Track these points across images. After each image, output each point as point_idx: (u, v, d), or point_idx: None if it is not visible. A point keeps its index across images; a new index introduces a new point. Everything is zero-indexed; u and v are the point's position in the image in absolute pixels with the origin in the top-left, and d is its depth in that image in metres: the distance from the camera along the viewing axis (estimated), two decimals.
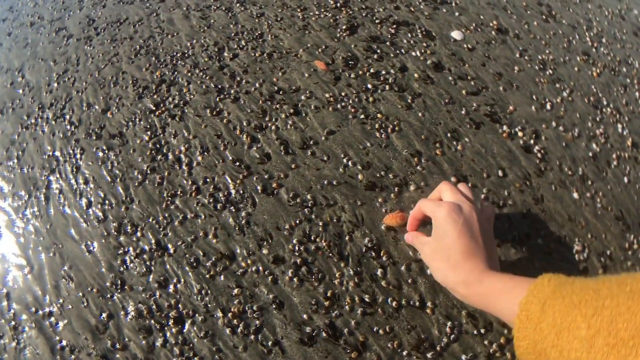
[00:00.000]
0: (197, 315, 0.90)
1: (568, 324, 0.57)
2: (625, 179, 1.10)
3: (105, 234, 0.99)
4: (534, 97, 1.13)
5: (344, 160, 1.01)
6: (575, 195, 1.04)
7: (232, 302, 0.92)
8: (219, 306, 0.94)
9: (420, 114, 1.06)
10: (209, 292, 0.96)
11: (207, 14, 1.29)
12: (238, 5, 1.29)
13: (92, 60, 1.28)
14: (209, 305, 0.91)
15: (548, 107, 1.13)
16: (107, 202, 1.03)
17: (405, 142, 1.03)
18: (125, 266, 0.96)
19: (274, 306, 0.93)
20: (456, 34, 1.18)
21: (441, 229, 0.76)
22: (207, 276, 0.97)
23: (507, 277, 0.72)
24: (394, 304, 0.91)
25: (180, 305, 0.91)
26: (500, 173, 1.02)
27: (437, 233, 0.77)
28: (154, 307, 0.92)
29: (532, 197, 1.02)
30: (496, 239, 0.89)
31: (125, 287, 0.94)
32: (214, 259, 0.98)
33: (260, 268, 0.94)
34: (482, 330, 0.91)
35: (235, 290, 0.95)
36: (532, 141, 1.07)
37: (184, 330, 0.90)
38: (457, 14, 1.26)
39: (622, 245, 1.03)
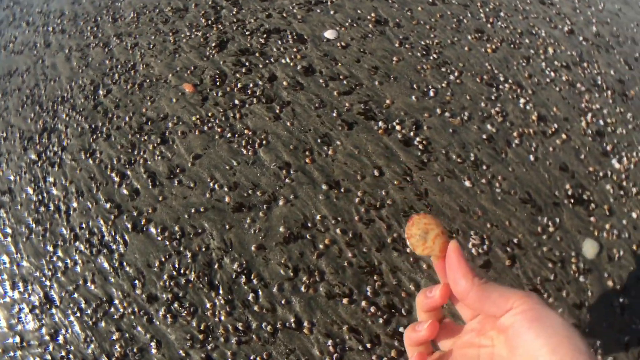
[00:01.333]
0: None
1: None
2: (532, 157, 0.99)
3: (2, 292, 0.94)
4: (414, 86, 1.03)
5: (211, 184, 0.92)
6: (467, 183, 0.94)
7: (114, 346, 0.89)
8: (104, 352, 0.90)
9: (289, 123, 0.96)
10: (94, 339, 0.91)
11: (87, 53, 1.22)
12: (115, 38, 1.21)
13: None
14: (96, 352, 0.87)
15: (431, 94, 1.03)
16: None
17: (273, 155, 0.93)
18: (21, 323, 0.92)
19: (152, 345, 0.87)
20: (329, 34, 1.08)
21: (549, 312, 0.41)
22: (90, 323, 0.92)
23: None
24: (268, 328, 0.83)
25: (71, 355, 0.87)
26: (376, 173, 0.92)
27: (546, 313, 0.41)
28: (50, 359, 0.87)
29: (414, 192, 0.92)
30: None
31: (24, 343, 0.90)
32: (94, 305, 0.93)
33: (136, 309, 0.88)
34: (369, 345, 0.82)
35: (116, 335, 0.90)
36: (412, 133, 0.97)
37: None
38: (332, 12, 1.16)
39: (533, 230, 0.92)
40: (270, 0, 1.19)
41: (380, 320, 0.84)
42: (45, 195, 1.02)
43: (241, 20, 1.16)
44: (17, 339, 0.89)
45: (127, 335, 0.86)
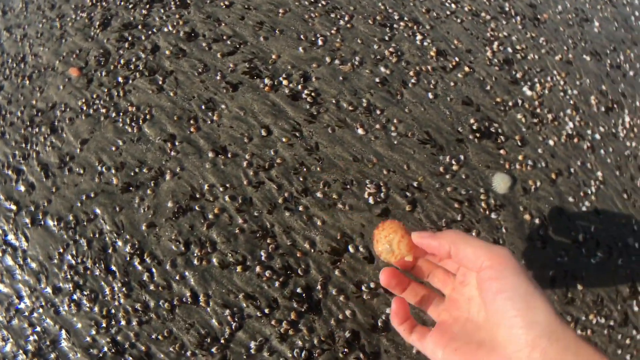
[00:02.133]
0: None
1: None
2: (430, 95, 0.92)
3: None
4: (302, 36, 0.96)
5: (99, 168, 0.87)
6: (360, 131, 0.88)
7: (29, 341, 0.86)
8: (20, 348, 0.87)
9: (172, 93, 0.90)
10: (10, 337, 0.88)
11: None
12: (5, 32, 1.15)
13: None
14: (13, 350, 0.86)
15: (320, 42, 0.95)
16: None
17: (158, 129, 0.88)
18: None
19: (62, 335, 0.86)
20: None
21: (508, 270, 0.47)
22: (5, 322, 0.89)
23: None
24: (166, 305, 0.79)
25: None
26: (263, 132, 0.87)
27: (505, 272, 0.47)
28: None
29: (304, 148, 0.86)
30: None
31: None
32: (6, 305, 0.89)
33: (43, 302, 0.86)
34: (267, 310, 0.78)
35: (29, 330, 0.87)
36: (299, 86, 0.91)
37: None
38: None
39: (435, 170, 0.86)
40: None
41: (277, 284, 0.79)
42: None
43: None
44: None
45: (38, 329, 0.84)
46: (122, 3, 1.08)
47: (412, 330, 0.58)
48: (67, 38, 1.07)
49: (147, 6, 1.05)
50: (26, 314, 0.85)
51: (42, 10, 1.14)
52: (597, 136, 0.99)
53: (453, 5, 1.03)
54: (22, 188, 0.92)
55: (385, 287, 0.62)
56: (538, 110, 0.96)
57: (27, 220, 0.89)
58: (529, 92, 0.96)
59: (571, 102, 0.99)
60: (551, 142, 0.94)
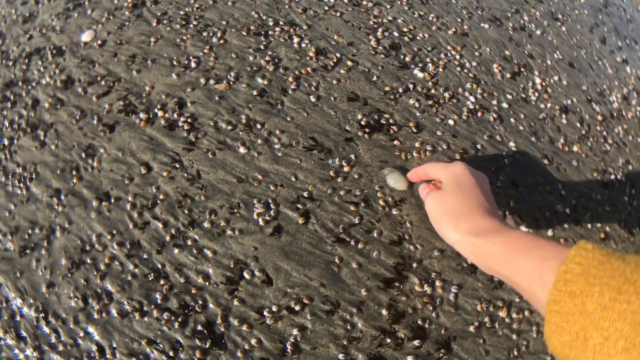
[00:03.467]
0: None
1: (620, 303, 0.40)
2: (312, 98, 0.89)
3: None
4: (174, 62, 0.93)
5: None
6: (242, 149, 0.85)
7: None
8: None
9: (53, 147, 0.89)
10: None
11: None
12: None
13: None
14: None
15: (193, 65, 0.93)
16: None
17: (44, 186, 0.87)
18: None
19: None
20: (86, 35, 0.99)
21: (456, 180, 0.68)
22: None
23: (532, 235, 0.55)
24: None
25: None
26: (143, 170, 0.85)
27: (452, 185, 0.68)
28: None
29: (185, 178, 0.84)
30: None
31: None
32: None
33: None
34: (171, 353, 0.79)
35: None
36: (175, 115, 0.88)
37: None
38: (89, 11, 1.06)
39: (325, 176, 0.84)
40: (30, 21, 1.09)
41: (176, 325, 0.78)
42: None
43: (5, 52, 1.06)
44: None
45: None
46: (3, 62, 1.06)
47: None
48: None
49: (26, 60, 1.04)
50: None
51: None
52: (505, 104, 0.94)
53: (332, 0, 0.99)
54: None
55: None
56: (432, 91, 0.91)
57: None
58: (420, 74, 0.92)
59: (470, 75, 0.94)
60: (451, 122, 0.89)
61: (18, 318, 0.83)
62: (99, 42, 1.00)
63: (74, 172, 0.88)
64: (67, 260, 0.83)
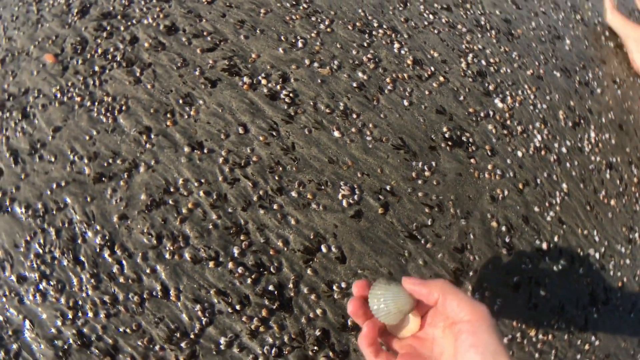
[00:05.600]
0: None
1: None
2: (405, 102, 0.94)
3: None
4: (282, 37, 0.96)
5: (71, 157, 0.86)
6: (336, 133, 0.89)
7: None
8: None
9: (149, 86, 0.90)
10: None
11: None
12: None
13: None
14: None
15: (300, 44, 0.96)
16: None
17: (133, 121, 0.87)
18: None
19: (26, 325, 0.83)
20: None
21: (484, 327, 0.53)
22: None
23: None
24: (135, 298, 0.78)
25: None
26: (240, 130, 0.87)
27: (481, 329, 0.53)
28: None
29: (280, 147, 0.87)
30: None
31: None
32: None
33: (7, 291, 0.84)
34: (238, 307, 0.78)
35: None
36: (278, 87, 0.91)
37: None
38: None
39: (407, 175, 0.88)
40: None
41: (249, 281, 0.80)
42: None
43: None
44: None
45: (1, 318, 0.83)
46: None
47: (377, 354, 0.59)
48: (44, 23, 1.05)
49: None
50: None
51: None
52: (564, 150, 1.03)
53: (431, 16, 1.06)
54: None
55: (351, 315, 0.63)
56: (508, 122, 1.00)
57: None
58: (500, 104, 1.00)
59: (540, 115, 1.03)
60: (519, 154, 0.97)
61: (79, 242, 0.84)
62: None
63: (168, 115, 0.90)
64: (147, 197, 0.85)
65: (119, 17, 1.01)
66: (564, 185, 1.01)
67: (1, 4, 1.13)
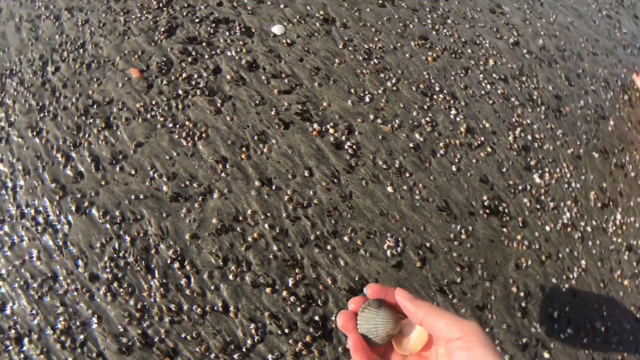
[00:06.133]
0: (32, 333, 1.09)
1: None
2: (454, 168, 1.25)
3: None
4: (352, 90, 1.27)
5: (151, 173, 1.16)
6: (389, 188, 1.20)
7: (59, 319, 1.10)
8: (49, 324, 1.10)
9: (228, 118, 1.20)
10: (39, 312, 1.12)
11: (37, 25, 1.42)
12: (66, 12, 1.41)
13: None
14: (41, 324, 1.10)
15: (367, 99, 1.27)
16: None
17: (212, 149, 1.18)
18: None
19: (94, 320, 1.08)
20: (277, 29, 1.30)
21: (476, 342, 0.59)
22: (36, 297, 1.13)
23: None
24: (198, 310, 1.08)
25: (18, 326, 1.10)
26: (306, 173, 1.17)
27: (474, 344, 0.59)
28: None
29: (339, 194, 1.17)
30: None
31: None
32: (40, 281, 1.13)
33: (79, 286, 1.11)
34: (287, 330, 1.08)
35: (60, 309, 1.11)
36: (344, 137, 1.22)
37: (24, 349, 1.08)
38: (282, 5, 1.38)
39: (446, 236, 1.18)
40: None
41: (299, 309, 1.11)
42: None
43: (192, 6, 1.37)
44: None
45: (70, 310, 1.09)
46: (189, 15, 1.37)
47: None
48: (130, 36, 1.35)
49: (213, 25, 1.35)
50: (60, 292, 1.12)
51: (107, 0, 1.42)
52: (589, 229, 1.36)
53: (488, 86, 1.38)
54: (70, 174, 1.20)
55: (341, 328, 0.68)
56: (542, 197, 1.32)
57: (72, 207, 1.18)
58: (538, 180, 1.32)
59: (573, 194, 1.36)
60: (548, 228, 1.30)
61: (152, 252, 1.15)
62: (288, 40, 1.34)
63: (243, 149, 1.21)
64: (218, 222, 1.16)
65: (204, 44, 1.32)
66: (583, 262, 1.33)
67: (88, 7, 1.43)
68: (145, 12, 1.35)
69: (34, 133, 1.23)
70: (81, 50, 1.33)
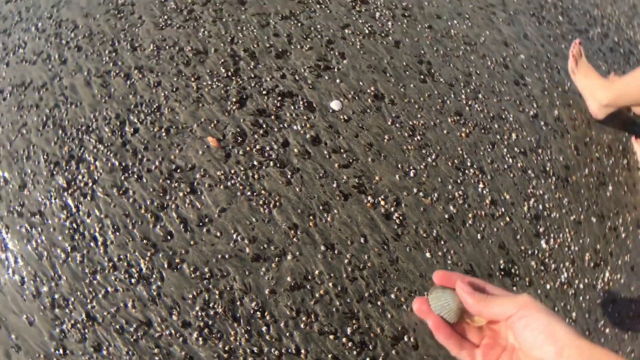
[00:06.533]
0: None
1: None
2: (479, 236, 1.87)
3: (42, 307, 1.70)
4: (399, 165, 1.88)
5: (234, 236, 1.74)
6: (428, 254, 1.82)
7: (154, 359, 1.66)
8: None
9: (297, 189, 1.79)
10: (135, 352, 1.56)
11: (107, 81, 1.94)
12: (136, 72, 1.93)
13: (2, 130, 1.94)
14: None
15: (412, 174, 1.88)
16: (38, 278, 1.75)
17: (285, 217, 1.77)
18: (64, 335, 1.62)
19: None
20: (335, 105, 1.89)
21: (531, 310, 0.75)
22: (132, 340, 1.55)
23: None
24: (276, 352, 1.66)
25: None
26: (362, 240, 1.79)
27: (529, 312, 0.74)
28: None
29: (388, 259, 1.79)
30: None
31: (67, 352, 1.65)
32: (135, 326, 1.56)
33: (172, 331, 1.62)
34: None
35: (155, 350, 1.56)
36: (392, 209, 1.84)
37: None
38: (338, 80, 1.96)
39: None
40: (284, 58, 1.99)
41: (354, 352, 1.72)
42: (79, 223, 1.76)
43: (258, 77, 1.93)
44: (60, 350, 1.66)
45: (164, 351, 1.59)
46: (256, 86, 1.94)
47: (462, 346, 0.80)
48: (204, 104, 1.92)
49: (279, 98, 1.93)
50: (155, 336, 1.67)
51: (176, 63, 1.96)
52: (581, 286, 2.05)
53: (510, 160, 2.04)
54: (160, 233, 1.76)
55: (417, 312, 0.86)
56: (547, 260, 2.00)
57: (164, 263, 1.74)
58: (544, 245, 2.00)
59: (571, 256, 2.04)
60: (548, 286, 1.98)
61: (238, 304, 1.76)
62: (345, 117, 1.96)
63: (311, 217, 1.83)
64: (291, 280, 1.77)
65: (272, 117, 1.90)
66: (574, 314, 2.02)
67: (158, 68, 1.97)
68: (216, 80, 1.91)
69: (120, 192, 1.77)
70: (158, 114, 1.87)
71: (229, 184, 1.66)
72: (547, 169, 1.94)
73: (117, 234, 1.68)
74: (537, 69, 2.17)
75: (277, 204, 1.65)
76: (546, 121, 2.01)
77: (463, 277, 0.87)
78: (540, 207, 1.90)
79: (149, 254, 1.66)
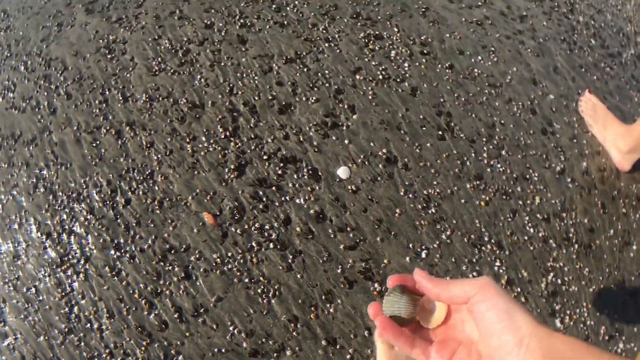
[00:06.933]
0: None
1: None
2: None
3: None
4: (410, 245, 1.66)
5: (230, 328, 1.55)
6: None
7: None
8: None
9: (299, 276, 1.59)
10: None
11: (98, 139, 1.69)
12: (128, 129, 1.69)
13: None
14: None
15: (423, 255, 1.66)
16: (37, 358, 1.60)
17: (284, 308, 1.57)
18: None
19: None
20: (342, 172, 1.64)
21: (491, 293, 0.70)
22: None
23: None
24: None
25: None
26: (366, 333, 1.60)
27: (489, 295, 0.70)
28: None
29: None
30: None
31: None
32: None
33: None
34: None
35: None
36: None
37: None
38: (346, 141, 1.69)
39: None
40: (287, 114, 1.72)
41: None
42: (74, 305, 1.59)
43: (259, 138, 1.67)
44: None
45: None
46: (257, 149, 1.69)
47: (413, 345, 0.74)
48: (200, 172, 1.67)
49: (281, 164, 1.68)
50: None
51: (170, 118, 1.70)
52: None
53: (532, 230, 1.80)
54: (155, 322, 1.59)
55: (371, 317, 0.78)
56: None
57: (161, 355, 1.58)
58: (559, 324, 1.79)
59: (586, 332, 1.83)
60: None
61: None
62: (353, 187, 1.71)
63: (312, 309, 1.63)
64: None
65: (273, 188, 1.66)
66: None
67: (151, 124, 1.71)
68: (213, 142, 1.65)
69: (113, 273, 1.58)
70: (150, 182, 1.64)
71: (225, 268, 1.47)
72: (570, 235, 1.71)
73: (112, 320, 1.56)
74: (567, 110, 1.89)
75: (277, 292, 1.47)
76: (573, 177, 1.77)
77: (421, 271, 0.83)
78: (559, 281, 1.69)
79: (144, 344, 1.54)
